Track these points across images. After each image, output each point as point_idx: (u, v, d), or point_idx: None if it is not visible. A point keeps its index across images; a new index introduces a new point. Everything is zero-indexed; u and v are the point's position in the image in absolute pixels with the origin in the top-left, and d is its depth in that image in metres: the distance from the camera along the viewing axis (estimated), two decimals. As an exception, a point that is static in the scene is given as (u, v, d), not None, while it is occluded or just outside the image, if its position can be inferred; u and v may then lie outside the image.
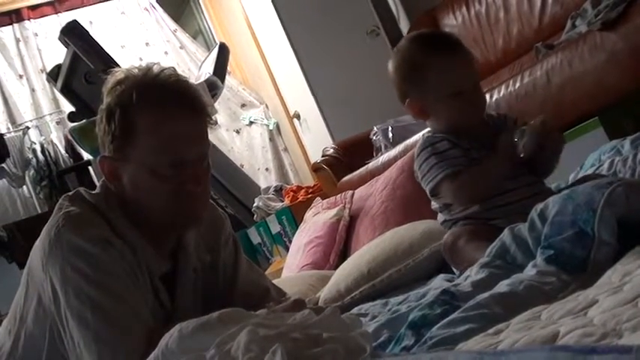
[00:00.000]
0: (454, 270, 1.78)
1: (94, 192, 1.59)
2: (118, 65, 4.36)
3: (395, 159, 3.35)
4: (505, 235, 1.34)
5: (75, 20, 4.95)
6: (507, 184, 1.75)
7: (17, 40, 6.22)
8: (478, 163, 1.75)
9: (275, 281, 2.10)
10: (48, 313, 1.47)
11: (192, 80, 1.53)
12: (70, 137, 5.66)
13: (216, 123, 1.59)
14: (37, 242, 1.50)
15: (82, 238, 1.44)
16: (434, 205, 1.87)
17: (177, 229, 1.60)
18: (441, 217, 1.87)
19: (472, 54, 1.88)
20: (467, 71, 1.81)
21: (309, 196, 4.56)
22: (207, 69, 5.19)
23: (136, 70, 1.53)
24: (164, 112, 1.50)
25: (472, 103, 1.80)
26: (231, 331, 0.93)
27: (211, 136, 1.64)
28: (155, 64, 1.57)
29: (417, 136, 3.44)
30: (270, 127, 6.44)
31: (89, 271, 1.41)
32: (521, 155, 1.70)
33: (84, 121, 4.85)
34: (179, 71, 1.63)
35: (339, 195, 3.31)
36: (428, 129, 1.92)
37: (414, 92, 1.83)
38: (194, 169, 1.52)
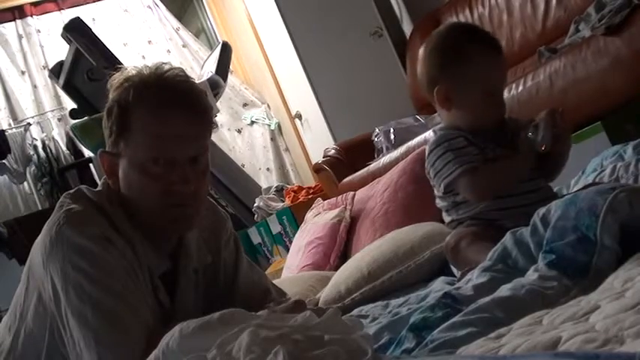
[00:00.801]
0: (455, 271, 1.78)
1: (95, 189, 1.59)
2: (120, 63, 4.38)
3: (396, 161, 3.35)
4: (507, 239, 1.34)
5: (78, 17, 4.96)
6: (518, 187, 1.75)
7: (20, 37, 6.22)
8: (493, 162, 1.75)
9: (275, 281, 2.10)
10: (48, 310, 1.47)
11: (195, 79, 1.52)
12: (71, 134, 5.67)
13: (217, 127, 1.59)
14: (38, 239, 1.50)
15: (83, 237, 1.44)
16: (440, 203, 1.85)
17: (169, 229, 1.58)
18: (447, 217, 1.86)
19: None
20: (504, 74, 1.83)
21: (310, 196, 4.55)
22: (210, 68, 5.19)
23: (146, 69, 1.54)
24: (157, 111, 1.50)
25: (499, 105, 1.81)
26: (233, 331, 0.93)
27: (213, 136, 1.63)
28: (165, 63, 1.57)
29: (419, 138, 3.44)
30: (272, 127, 6.44)
31: (90, 269, 1.41)
32: (543, 149, 1.69)
33: (85, 118, 4.86)
34: (181, 69, 1.62)
35: (340, 196, 3.32)
36: (439, 125, 1.91)
37: (447, 80, 1.79)
38: (184, 170, 1.50)
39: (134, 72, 1.54)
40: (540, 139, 1.68)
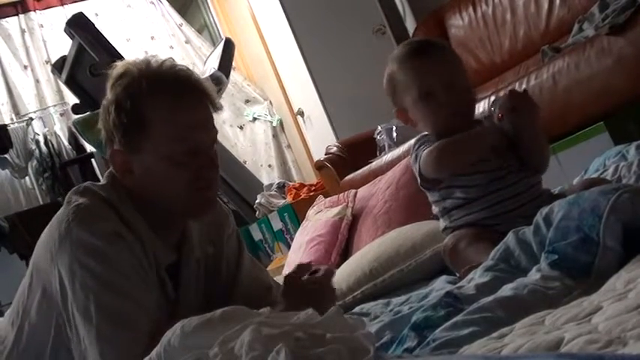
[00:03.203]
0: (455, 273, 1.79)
1: (101, 183, 1.59)
2: (123, 58, 4.36)
3: (399, 159, 3.35)
4: (509, 239, 1.34)
5: (81, 12, 4.96)
6: (506, 193, 1.74)
7: (22, 31, 6.23)
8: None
9: (276, 278, 2.09)
10: (53, 306, 1.47)
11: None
12: (73, 129, 5.67)
13: (221, 107, 1.63)
14: (44, 236, 1.50)
15: (90, 234, 1.43)
16: (434, 210, 1.88)
17: (191, 216, 1.62)
18: (442, 223, 1.86)
19: (449, 55, 1.88)
20: (433, 72, 1.80)
21: (312, 193, 4.55)
22: (213, 64, 5.18)
23: (138, 63, 1.54)
24: (176, 101, 1.51)
25: (443, 102, 1.78)
26: (235, 329, 0.93)
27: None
28: (153, 56, 1.57)
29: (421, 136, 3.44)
30: (274, 124, 6.44)
31: (96, 267, 1.41)
32: (499, 116, 1.74)
33: (87, 113, 4.85)
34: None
35: (341, 193, 3.31)
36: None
37: (396, 102, 1.87)
38: (208, 154, 1.54)
39: (125, 68, 1.53)
40: (497, 110, 1.75)
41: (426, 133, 1.87)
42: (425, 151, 1.77)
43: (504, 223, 1.69)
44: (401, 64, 1.83)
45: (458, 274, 1.73)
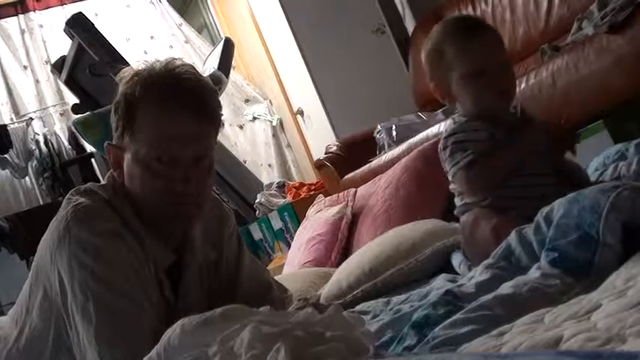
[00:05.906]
0: (456, 266, 1.79)
1: (101, 184, 1.59)
2: (122, 58, 4.36)
3: (398, 158, 3.35)
4: (512, 237, 1.34)
5: (80, 12, 4.95)
6: (526, 179, 1.73)
7: (22, 31, 6.23)
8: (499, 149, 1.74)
9: (276, 278, 2.10)
10: (53, 306, 1.47)
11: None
12: (73, 129, 5.67)
13: (223, 125, 1.61)
14: (46, 235, 1.50)
15: (90, 232, 1.44)
16: (451, 186, 1.85)
17: (170, 224, 1.58)
18: (458, 200, 1.83)
19: (497, 35, 1.85)
20: (484, 51, 1.78)
21: (312, 192, 4.56)
22: (212, 63, 5.18)
23: (156, 64, 1.53)
24: (162, 108, 1.49)
25: (492, 83, 1.76)
26: (234, 327, 0.93)
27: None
28: (177, 59, 1.56)
29: (421, 135, 3.44)
30: (274, 123, 6.44)
31: (95, 266, 1.41)
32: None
33: (87, 113, 4.85)
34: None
35: (341, 193, 3.32)
36: (457, 113, 1.89)
37: (437, 75, 1.83)
38: (186, 170, 1.50)
39: (144, 66, 1.54)
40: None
41: (463, 117, 1.84)
42: (463, 175, 1.74)
43: (518, 207, 1.67)
44: (453, 40, 1.79)
45: (462, 265, 1.72)
